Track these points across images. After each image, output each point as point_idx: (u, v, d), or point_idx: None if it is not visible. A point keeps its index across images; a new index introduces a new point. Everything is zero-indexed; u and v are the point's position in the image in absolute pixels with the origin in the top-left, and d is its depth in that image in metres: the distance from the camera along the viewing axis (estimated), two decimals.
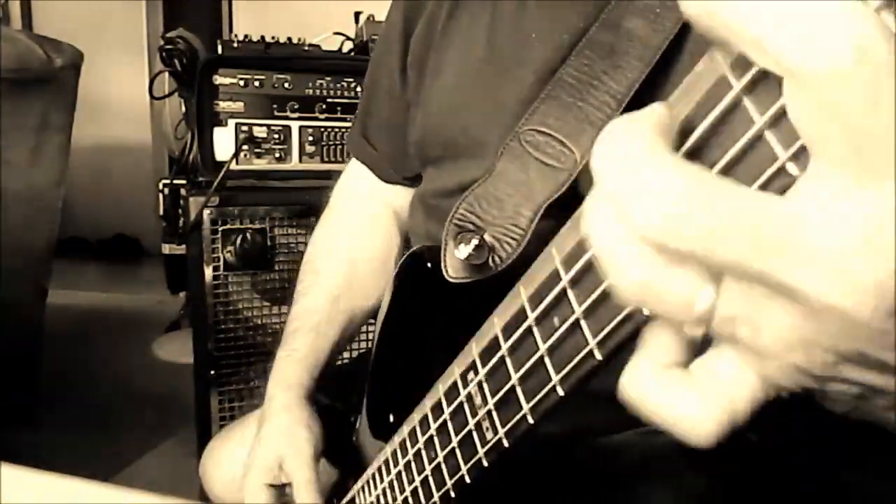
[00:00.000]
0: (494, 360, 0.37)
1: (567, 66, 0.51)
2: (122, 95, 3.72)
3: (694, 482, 0.58)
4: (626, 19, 0.49)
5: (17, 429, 1.73)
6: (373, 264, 0.79)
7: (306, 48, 1.45)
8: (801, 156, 0.19)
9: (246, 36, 1.39)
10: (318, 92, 1.38)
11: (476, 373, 0.39)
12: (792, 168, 0.20)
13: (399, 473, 0.51)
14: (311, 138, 1.38)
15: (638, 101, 0.48)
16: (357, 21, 1.61)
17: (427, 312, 0.53)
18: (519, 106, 0.56)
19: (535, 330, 0.33)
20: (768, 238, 0.19)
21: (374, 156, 0.79)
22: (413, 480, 0.48)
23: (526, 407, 0.34)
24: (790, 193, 0.19)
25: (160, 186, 1.56)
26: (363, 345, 1.39)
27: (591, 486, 0.58)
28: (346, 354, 1.34)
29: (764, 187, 0.20)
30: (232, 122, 1.32)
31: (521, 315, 0.34)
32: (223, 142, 1.32)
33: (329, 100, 1.38)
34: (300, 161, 1.38)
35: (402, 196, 0.80)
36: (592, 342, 0.28)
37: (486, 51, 0.60)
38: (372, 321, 1.36)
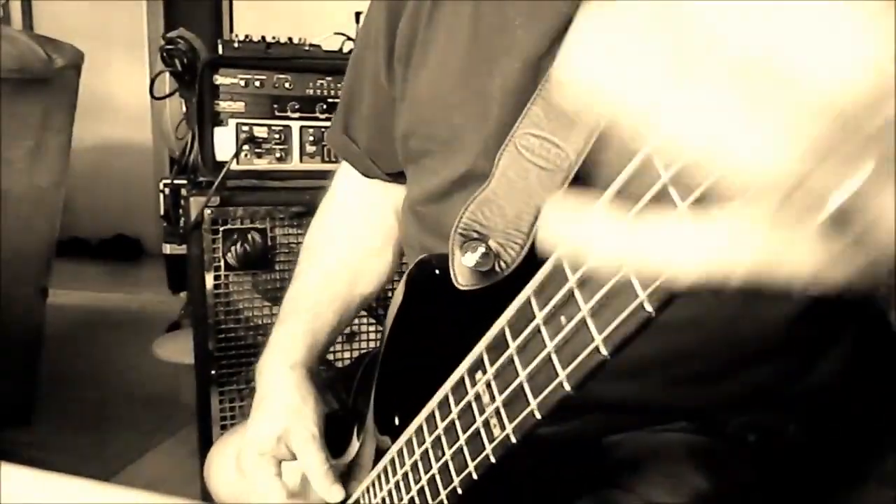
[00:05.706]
0: (503, 358, 0.39)
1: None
2: (122, 95, 3.73)
3: (694, 482, 0.58)
4: None
5: (17, 428, 1.73)
6: (371, 251, 0.79)
7: (307, 48, 1.44)
8: None
9: (247, 36, 1.38)
10: (318, 92, 1.37)
11: (484, 371, 0.41)
12: None
13: (406, 472, 0.51)
14: (311, 138, 1.38)
15: None
16: (358, 21, 1.61)
17: (436, 318, 0.54)
18: (504, 96, 0.55)
19: (542, 329, 0.35)
20: None
21: (356, 152, 0.79)
22: (420, 479, 0.49)
23: (533, 403, 0.36)
24: None
25: (161, 186, 1.55)
26: (364, 345, 1.39)
27: (593, 483, 0.58)
28: (346, 355, 1.35)
29: None
30: (232, 122, 1.32)
31: (529, 315, 0.36)
32: (224, 142, 1.32)
33: (330, 100, 1.38)
34: (301, 161, 1.38)
35: (398, 193, 0.80)
36: (598, 338, 0.31)
37: (469, 40, 0.59)
38: (373, 321, 1.37)
